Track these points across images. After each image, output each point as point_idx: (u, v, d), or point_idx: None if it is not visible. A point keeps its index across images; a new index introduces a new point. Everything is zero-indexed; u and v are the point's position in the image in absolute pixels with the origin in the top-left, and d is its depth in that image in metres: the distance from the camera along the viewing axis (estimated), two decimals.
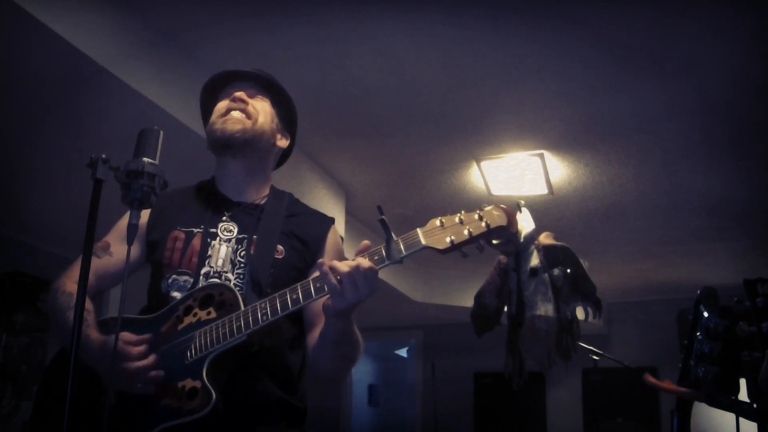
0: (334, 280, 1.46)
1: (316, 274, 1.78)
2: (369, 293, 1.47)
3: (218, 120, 1.80)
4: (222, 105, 1.84)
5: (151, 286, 1.78)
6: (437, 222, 1.51)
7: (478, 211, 1.53)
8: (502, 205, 1.56)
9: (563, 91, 3.60)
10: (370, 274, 1.46)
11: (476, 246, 1.53)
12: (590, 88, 3.56)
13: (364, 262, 1.46)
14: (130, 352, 1.55)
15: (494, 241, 1.66)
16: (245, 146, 1.79)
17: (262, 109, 1.84)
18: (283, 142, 1.92)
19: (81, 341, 1.54)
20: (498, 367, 2.87)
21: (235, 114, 1.80)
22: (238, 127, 1.78)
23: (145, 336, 1.59)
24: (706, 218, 5.10)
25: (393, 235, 1.49)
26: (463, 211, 1.53)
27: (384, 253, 1.49)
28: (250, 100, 1.84)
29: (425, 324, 7.92)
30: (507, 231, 1.54)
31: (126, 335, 1.57)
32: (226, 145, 1.79)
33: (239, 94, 1.82)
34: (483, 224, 1.51)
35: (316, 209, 1.95)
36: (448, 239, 1.49)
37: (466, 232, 1.50)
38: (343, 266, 1.46)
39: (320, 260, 1.51)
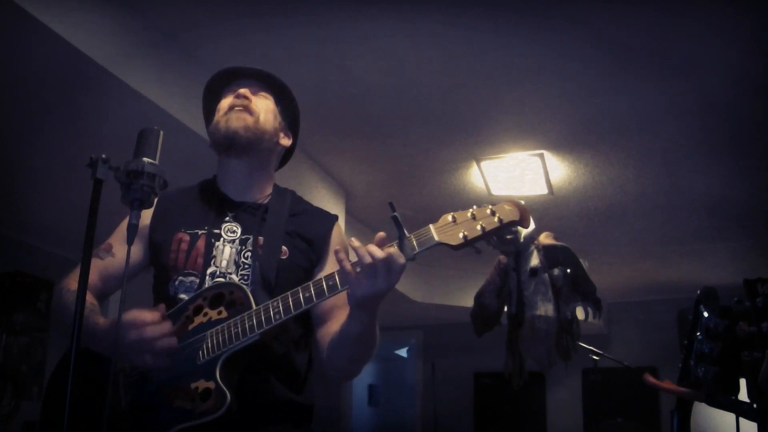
0: (349, 267, 1.44)
1: (323, 273, 1.77)
2: (388, 283, 1.44)
3: (221, 117, 1.79)
4: (225, 102, 1.83)
5: (157, 289, 1.78)
6: (449, 217, 1.49)
7: (490, 206, 1.51)
8: (514, 200, 1.54)
9: (563, 91, 3.60)
10: (392, 261, 1.43)
11: (488, 242, 1.52)
12: (590, 88, 3.56)
13: (389, 249, 1.44)
14: (144, 318, 1.53)
15: (507, 236, 1.65)
16: (248, 145, 1.78)
17: (264, 107, 1.83)
18: (285, 141, 1.91)
19: (89, 329, 1.54)
20: (498, 367, 2.87)
21: (238, 111, 1.78)
22: (242, 124, 1.76)
23: (159, 306, 1.58)
24: (706, 218, 5.10)
25: (405, 231, 1.47)
26: (474, 207, 1.51)
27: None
28: (253, 97, 1.82)
29: (425, 324, 7.92)
30: (520, 225, 1.52)
31: (137, 310, 1.56)
32: (230, 144, 1.77)
33: (243, 90, 1.81)
34: (495, 219, 1.48)
35: (319, 207, 1.94)
36: (460, 235, 1.47)
37: (479, 227, 1.47)
38: (366, 256, 1.43)
39: (336, 248, 1.49)
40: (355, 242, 1.47)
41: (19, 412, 4.75)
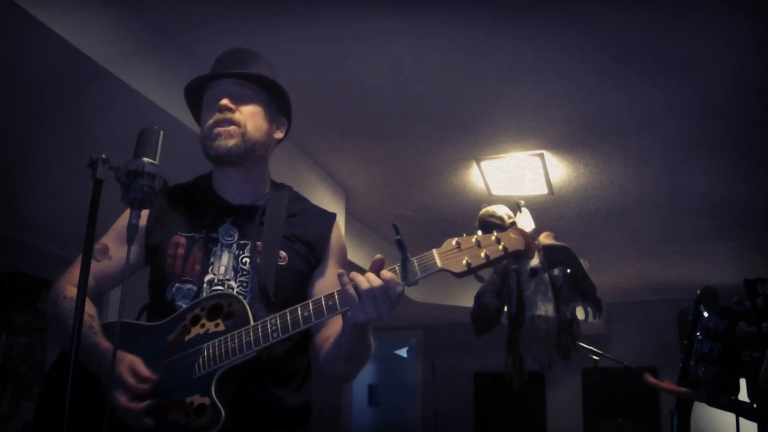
0: (353, 292, 1.44)
1: (323, 277, 1.74)
2: (387, 308, 1.45)
3: (209, 136, 1.75)
4: (209, 116, 1.77)
5: (154, 291, 1.76)
6: (453, 243, 1.49)
7: (495, 233, 1.50)
8: (520, 227, 1.54)
9: (563, 91, 3.60)
10: (390, 288, 1.44)
11: (493, 269, 1.52)
12: (590, 88, 3.56)
13: (387, 276, 1.45)
14: (133, 387, 1.52)
15: (513, 266, 1.64)
16: (242, 158, 1.75)
17: (250, 113, 1.77)
18: (279, 134, 1.87)
19: (89, 349, 1.54)
20: (498, 367, 2.87)
21: (224, 128, 1.73)
22: (232, 142, 1.72)
23: (154, 377, 1.55)
24: (706, 218, 5.10)
25: (408, 255, 1.47)
26: (479, 233, 1.50)
27: (399, 274, 1.47)
28: (236, 107, 1.76)
29: (425, 324, 7.92)
30: (524, 255, 1.52)
31: (137, 364, 1.54)
32: (222, 161, 1.76)
33: (224, 102, 1.75)
34: (500, 248, 1.48)
35: (316, 205, 1.91)
36: (464, 262, 1.46)
37: (483, 255, 1.47)
38: (364, 282, 1.44)
39: (340, 271, 1.48)
40: (354, 274, 1.47)
41: (19, 412, 4.75)
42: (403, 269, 1.47)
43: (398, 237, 1.45)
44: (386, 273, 1.45)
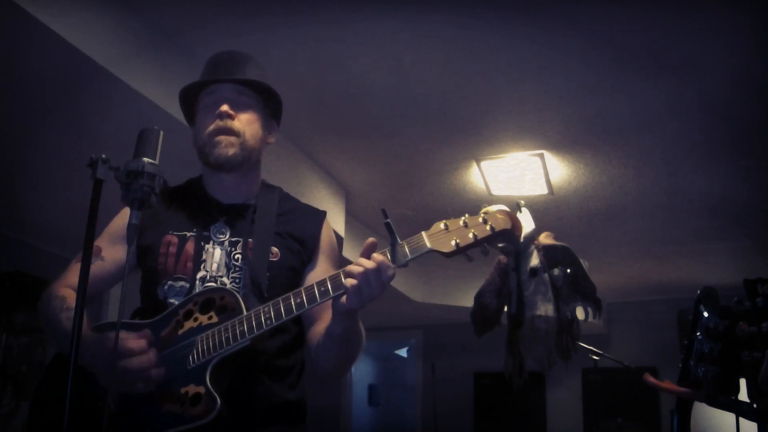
0: (350, 281, 1.47)
1: (314, 272, 1.75)
2: (381, 292, 1.48)
3: (209, 143, 1.77)
4: (209, 123, 1.79)
5: (145, 291, 1.77)
6: (442, 225, 1.52)
7: (482, 215, 1.53)
8: (506, 209, 1.56)
9: (563, 91, 3.60)
10: (382, 270, 1.46)
11: (481, 249, 1.54)
12: (590, 88, 3.56)
13: (378, 258, 1.48)
14: (130, 347, 1.53)
15: (499, 245, 1.66)
16: (238, 165, 1.78)
17: (247, 121, 1.80)
18: (271, 139, 1.90)
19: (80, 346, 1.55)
20: (498, 367, 2.87)
21: (223, 136, 1.76)
22: (231, 151, 1.75)
23: (145, 332, 1.58)
24: (706, 218, 5.10)
25: (398, 238, 1.50)
26: (467, 215, 1.53)
27: (389, 256, 1.50)
28: (235, 114, 1.78)
29: (425, 324, 7.92)
30: (511, 234, 1.54)
31: (123, 332, 1.55)
32: (220, 167, 1.78)
33: (224, 108, 1.77)
34: (488, 227, 1.51)
35: (307, 204, 1.94)
36: (453, 242, 1.49)
37: (471, 235, 1.50)
38: (357, 268, 1.47)
39: (336, 273, 1.52)
40: (347, 268, 1.49)
41: (19, 412, 4.75)
42: (393, 252, 1.50)
43: (387, 220, 1.48)
44: (377, 256, 1.48)
